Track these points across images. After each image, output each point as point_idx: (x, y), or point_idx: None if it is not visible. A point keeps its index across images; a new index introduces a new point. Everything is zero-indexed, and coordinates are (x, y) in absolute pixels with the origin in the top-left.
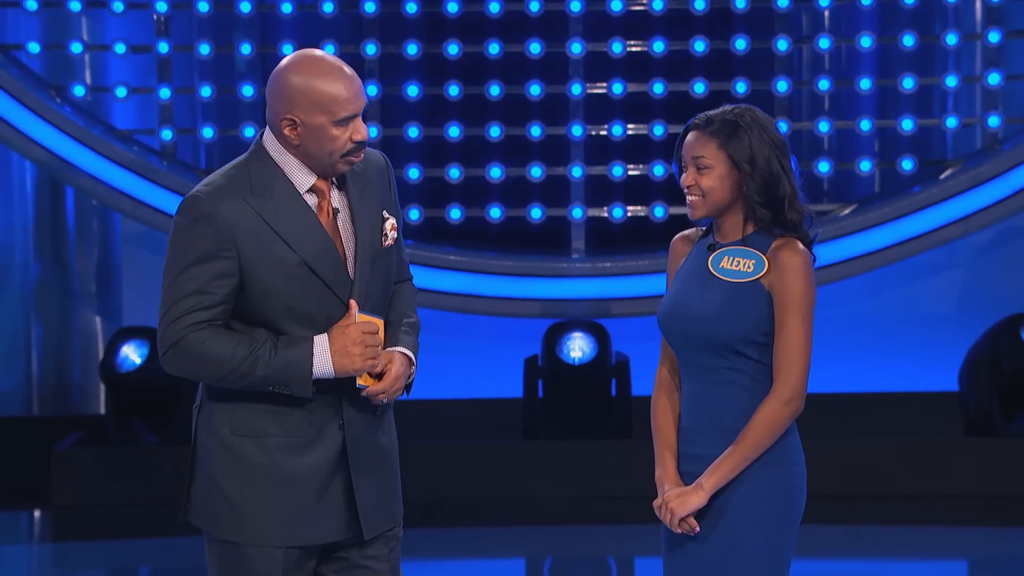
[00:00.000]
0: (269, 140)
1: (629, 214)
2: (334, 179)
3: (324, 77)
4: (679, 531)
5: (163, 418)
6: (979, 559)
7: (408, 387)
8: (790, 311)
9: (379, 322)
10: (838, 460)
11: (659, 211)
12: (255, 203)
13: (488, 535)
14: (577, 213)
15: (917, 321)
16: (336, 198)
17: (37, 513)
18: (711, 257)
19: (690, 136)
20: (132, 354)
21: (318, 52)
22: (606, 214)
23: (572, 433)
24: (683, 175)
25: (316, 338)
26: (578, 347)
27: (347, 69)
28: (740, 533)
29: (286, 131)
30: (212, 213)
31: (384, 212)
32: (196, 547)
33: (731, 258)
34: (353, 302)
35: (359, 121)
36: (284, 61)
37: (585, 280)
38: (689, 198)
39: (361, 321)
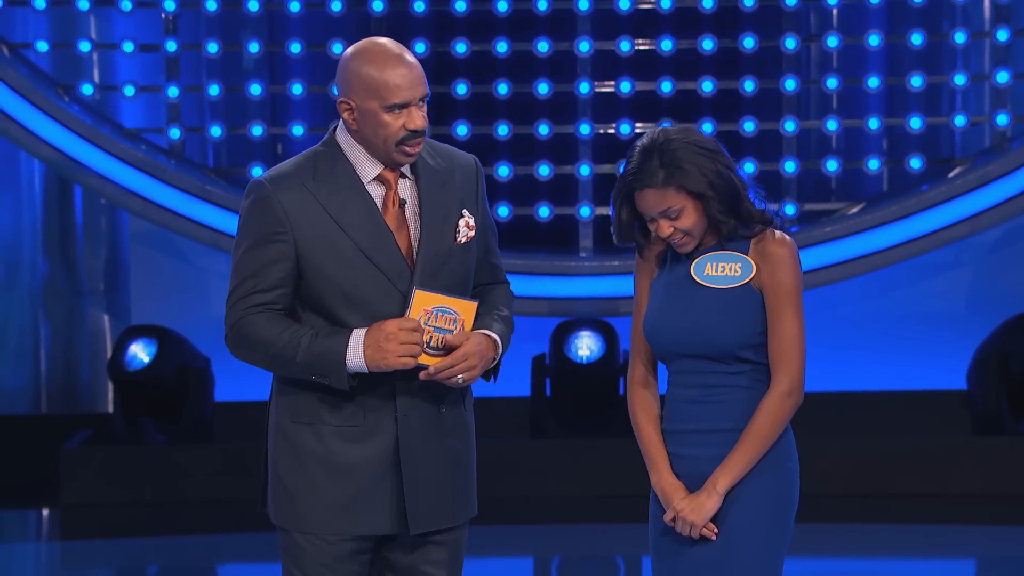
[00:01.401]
0: (341, 130)
1: None
2: (405, 172)
3: (379, 63)
4: (696, 536)
5: (171, 417)
6: (987, 558)
7: (494, 373)
8: (784, 303)
9: (458, 303)
10: (846, 458)
11: None
12: (315, 188)
13: (496, 533)
14: (585, 212)
15: (925, 319)
16: (405, 189)
17: (45, 512)
18: (693, 265)
19: (644, 196)
20: (140, 353)
21: (382, 40)
22: None
23: (580, 432)
24: (654, 229)
25: (356, 330)
26: (586, 346)
27: (408, 57)
28: (739, 534)
29: (344, 115)
30: (270, 196)
31: (463, 211)
32: (202, 547)
33: (714, 264)
34: (416, 291)
35: (414, 110)
36: (350, 48)
37: (593, 279)
38: (674, 242)
39: (402, 319)
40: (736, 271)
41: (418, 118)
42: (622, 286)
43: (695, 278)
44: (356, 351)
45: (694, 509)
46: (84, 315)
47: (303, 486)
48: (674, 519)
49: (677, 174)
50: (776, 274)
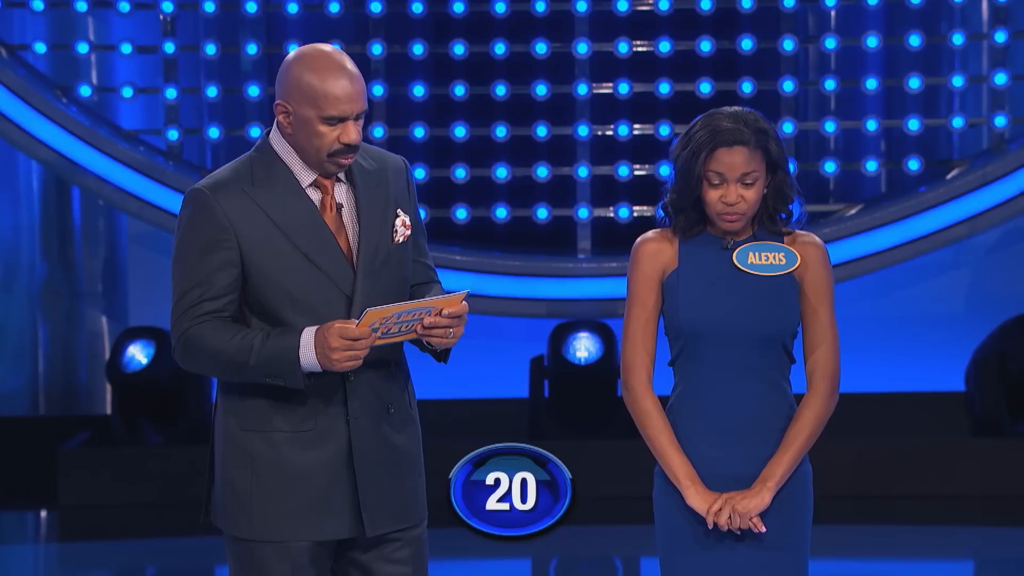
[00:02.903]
0: (275, 135)
1: (635, 214)
2: (340, 176)
3: (321, 72)
4: (746, 526)
5: (169, 418)
6: (986, 559)
7: (446, 355)
8: (824, 301)
9: (437, 300)
10: (845, 460)
11: None
12: (255, 194)
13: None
14: (583, 213)
15: (924, 321)
16: (341, 193)
17: (43, 513)
18: (735, 254)
19: (733, 153)
20: (138, 354)
21: (327, 47)
22: (612, 214)
23: (578, 433)
24: (718, 196)
25: (307, 329)
26: (584, 347)
27: (350, 69)
28: (783, 536)
29: (280, 117)
30: (211, 204)
31: (398, 210)
32: (202, 547)
33: (756, 253)
34: (367, 310)
35: (351, 124)
36: (295, 51)
37: (591, 280)
38: (730, 213)
39: (344, 325)
40: (781, 259)
41: (353, 133)
42: (620, 287)
43: (740, 267)
44: (308, 350)
45: (745, 502)
46: (82, 316)
47: (258, 494)
48: (720, 510)
49: (764, 139)
50: (817, 270)
